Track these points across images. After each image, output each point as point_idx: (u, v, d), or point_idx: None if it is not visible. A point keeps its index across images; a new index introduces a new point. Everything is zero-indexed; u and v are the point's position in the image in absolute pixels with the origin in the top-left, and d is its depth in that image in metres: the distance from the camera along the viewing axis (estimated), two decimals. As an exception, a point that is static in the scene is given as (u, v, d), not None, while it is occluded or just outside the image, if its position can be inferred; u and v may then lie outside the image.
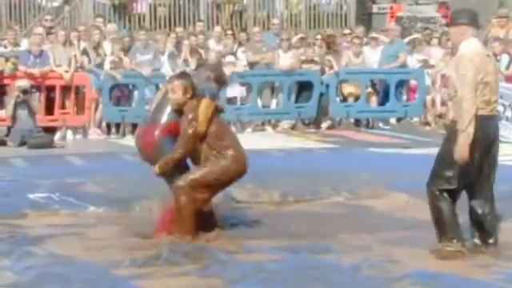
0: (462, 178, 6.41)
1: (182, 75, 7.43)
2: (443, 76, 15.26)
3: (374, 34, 16.72)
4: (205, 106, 7.10)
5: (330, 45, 16.05)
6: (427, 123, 15.52)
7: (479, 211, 6.54)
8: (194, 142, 7.06)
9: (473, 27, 6.51)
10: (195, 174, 7.10)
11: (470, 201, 6.59)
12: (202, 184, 7.02)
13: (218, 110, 7.25)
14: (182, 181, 7.05)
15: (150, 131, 7.25)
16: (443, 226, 6.47)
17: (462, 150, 6.32)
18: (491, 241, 6.56)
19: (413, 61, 16.01)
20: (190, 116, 7.04)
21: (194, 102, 7.11)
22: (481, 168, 6.46)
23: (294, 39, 16.12)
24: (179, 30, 16.65)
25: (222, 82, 7.63)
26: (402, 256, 6.51)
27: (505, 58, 14.67)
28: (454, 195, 6.49)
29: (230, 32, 16.45)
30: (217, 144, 7.10)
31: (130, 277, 5.99)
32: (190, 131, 7.01)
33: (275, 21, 17.77)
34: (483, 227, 6.56)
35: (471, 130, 6.30)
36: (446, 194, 6.45)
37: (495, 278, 5.89)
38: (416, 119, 15.85)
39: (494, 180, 6.60)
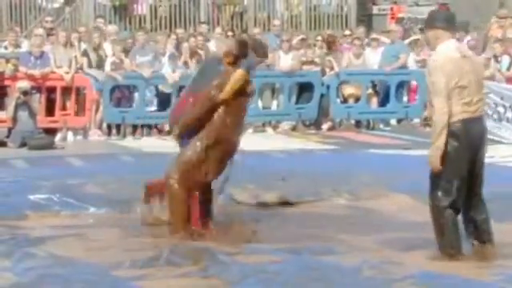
0: (460, 186, 6.34)
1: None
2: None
3: (374, 35, 16.72)
4: (235, 78, 6.99)
5: (331, 44, 16.04)
6: (427, 124, 15.52)
7: (478, 217, 6.47)
8: (211, 108, 6.96)
9: (448, 31, 6.39)
10: (183, 157, 7.05)
11: (466, 206, 6.48)
12: (189, 166, 6.98)
13: (247, 88, 7.12)
14: (174, 167, 7.02)
15: (185, 97, 7.22)
16: (444, 241, 6.40)
17: (432, 162, 6.29)
18: (488, 239, 6.51)
19: (411, 61, 16.00)
20: (217, 81, 6.96)
21: (231, 69, 7.02)
22: (473, 171, 6.40)
23: (295, 40, 16.13)
24: (180, 31, 16.66)
25: (261, 52, 7.36)
26: (402, 257, 6.51)
27: (505, 59, 14.66)
28: (455, 205, 6.39)
29: (230, 33, 16.46)
30: (222, 122, 7.01)
31: (130, 278, 5.99)
32: (210, 95, 6.92)
33: (276, 22, 17.77)
34: (481, 227, 6.51)
35: (440, 142, 6.22)
36: (448, 208, 6.36)
37: (495, 279, 5.89)
38: (416, 120, 15.85)
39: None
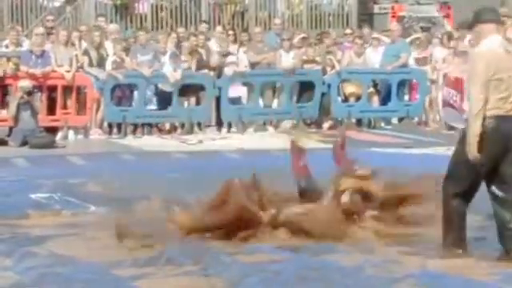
0: (476, 182, 6.34)
1: None
2: (445, 75, 15.27)
3: (375, 35, 16.71)
4: None
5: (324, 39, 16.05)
6: (427, 123, 15.54)
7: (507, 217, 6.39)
8: None
9: (492, 23, 6.39)
10: None
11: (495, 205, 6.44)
12: None
13: None
14: None
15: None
16: (451, 229, 6.41)
17: (470, 150, 6.28)
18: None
19: (412, 60, 15.99)
20: None
21: None
22: (500, 169, 6.33)
23: (296, 39, 16.12)
24: (181, 30, 16.66)
25: None
26: (404, 256, 6.50)
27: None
28: (467, 197, 6.41)
29: (231, 32, 16.46)
30: None
31: (131, 277, 5.98)
32: None
33: (277, 21, 17.77)
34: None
35: (475, 129, 6.22)
36: (459, 197, 6.37)
37: (495, 279, 5.88)
38: (418, 119, 15.84)
39: None
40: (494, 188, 6.43)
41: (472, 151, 6.26)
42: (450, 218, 6.44)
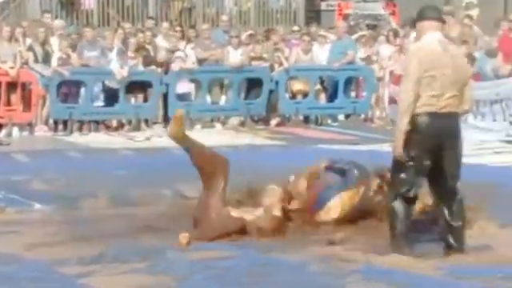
0: (415, 178, 6.35)
1: None
2: (391, 73, 15.40)
3: (321, 32, 16.79)
4: None
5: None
6: (372, 120, 15.66)
7: (454, 223, 6.42)
8: None
9: (434, 23, 6.43)
10: None
11: (439, 203, 6.51)
12: None
13: None
14: None
15: None
16: (395, 232, 6.42)
17: (395, 146, 6.33)
18: (458, 245, 6.44)
19: (361, 57, 16.11)
20: None
21: None
22: (438, 168, 6.36)
23: (244, 36, 16.13)
24: (127, 26, 16.56)
25: None
26: (349, 252, 6.53)
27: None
28: (409, 196, 6.40)
29: (178, 29, 16.40)
30: None
31: (77, 274, 5.92)
32: None
33: (224, 17, 17.75)
34: (455, 233, 6.45)
35: (402, 125, 6.26)
36: (402, 199, 6.37)
37: (440, 273, 5.93)
38: (364, 116, 15.96)
39: (459, 179, 6.45)
40: (434, 186, 6.49)
41: (397, 148, 6.31)
42: (393, 223, 6.44)
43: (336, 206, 7.34)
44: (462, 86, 6.39)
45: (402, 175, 6.35)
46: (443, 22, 6.58)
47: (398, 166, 6.39)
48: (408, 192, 6.38)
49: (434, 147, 6.32)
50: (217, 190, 7.11)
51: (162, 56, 15.05)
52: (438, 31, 6.46)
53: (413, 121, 6.27)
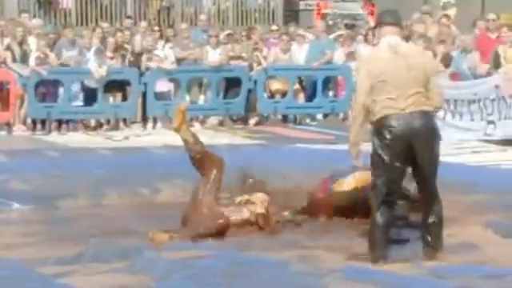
0: (390, 182, 6.28)
1: None
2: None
3: (300, 31, 16.82)
4: None
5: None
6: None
7: (429, 220, 6.39)
8: None
9: (388, 28, 6.41)
10: None
11: (421, 203, 6.50)
12: None
13: None
14: None
15: None
16: (372, 240, 6.35)
17: (351, 156, 6.41)
18: (435, 244, 6.40)
19: (339, 56, 16.13)
20: None
21: None
22: (416, 168, 6.32)
23: (222, 35, 16.13)
24: (105, 25, 16.51)
25: None
26: (328, 252, 6.55)
27: (428, 55, 14.83)
28: (387, 202, 6.33)
29: (157, 28, 16.38)
30: None
31: (56, 274, 5.91)
32: None
33: (202, 17, 17.74)
34: (430, 231, 6.43)
35: (351, 136, 6.38)
36: (384, 206, 6.30)
37: (420, 273, 5.96)
38: (343, 115, 16.00)
39: (435, 179, 6.41)
40: (417, 186, 6.48)
41: (353, 156, 6.36)
42: (371, 230, 6.37)
43: (350, 180, 7.49)
44: (425, 83, 6.31)
45: (378, 181, 6.31)
46: (400, 26, 6.55)
47: (373, 171, 6.37)
48: (387, 196, 6.33)
49: (403, 148, 6.23)
50: (211, 187, 7.13)
51: (140, 56, 15.03)
52: (394, 35, 6.42)
53: (375, 126, 6.26)
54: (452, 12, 17.83)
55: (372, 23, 19.88)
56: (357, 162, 6.43)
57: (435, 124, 6.40)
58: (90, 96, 14.70)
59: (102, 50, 14.87)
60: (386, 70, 6.26)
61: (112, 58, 14.78)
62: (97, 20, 20.10)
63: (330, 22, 20.39)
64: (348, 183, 7.50)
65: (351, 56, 16.10)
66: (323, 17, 20.98)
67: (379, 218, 6.30)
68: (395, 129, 6.22)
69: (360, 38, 16.76)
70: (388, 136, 6.23)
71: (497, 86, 12.94)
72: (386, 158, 6.24)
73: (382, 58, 6.33)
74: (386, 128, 6.22)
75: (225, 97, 15.42)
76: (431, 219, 6.42)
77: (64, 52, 14.63)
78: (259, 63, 15.52)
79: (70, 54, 14.64)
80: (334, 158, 10.23)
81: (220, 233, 6.96)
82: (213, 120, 15.38)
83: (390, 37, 6.41)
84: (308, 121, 15.81)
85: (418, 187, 6.50)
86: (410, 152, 6.27)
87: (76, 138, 13.74)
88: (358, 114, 6.32)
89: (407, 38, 15.73)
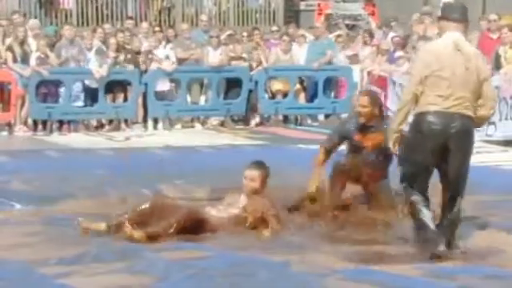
0: (420, 177, 6.33)
1: None
2: (369, 73, 15.46)
3: (300, 32, 16.83)
4: None
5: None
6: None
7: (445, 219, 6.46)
8: None
9: (453, 23, 6.38)
10: None
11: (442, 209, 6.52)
12: None
13: None
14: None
15: None
16: (421, 230, 6.38)
17: (390, 140, 6.40)
18: (451, 245, 6.41)
19: (341, 58, 16.14)
20: None
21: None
22: (443, 169, 6.36)
23: (223, 36, 16.14)
24: (107, 26, 16.51)
25: None
26: (331, 252, 6.55)
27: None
28: (420, 195, 6.38)
29: (158, 28, 16.40)
30: None
31: (57, 275, 5.91)
32: None
33: (203, 17, 17.75)
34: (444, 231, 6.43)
35: (394, 124, 6.34)
36: (414, 193, 6.36)
37: (420, 273, 5.96)
38: (344, 115, 15.99)
39: (466, 180, 6.43)
40: (443, 186, 6.46)
41: (391, 145, 6.35)
42: (417, 224, 6.40)
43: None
44: (474, 88, 6.27)
45: (407, 172, 6.35)
46: (465, 23, 6.47)
47: (401, 162, 6.41)
48: (418, 192, 6.35)
49: (436, 147, 6.24)
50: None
51: (141, 56, 15.04)
52: (458, 32, 6.36)
53: (416, 120, 6.28)
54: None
55: (373, 24, 19.92)
56: (394, 150, 6.41)
57: (473, 129, 6.38)
58: (91, 96, 14.71)
59: (102, 50, 14.87)
60: (445, 65, 6.22)
61: (114, 58, 14.78)
62: (98, 20, 20.12)
63: (333, 23, 20.43)
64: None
65: (354, 58, 16.11)
66: (327, 17, 21.01)
67: (417, 199, 6.33)
68: (434, 126, 6.21)
69: (359, 38, 16.78)
70: (426, 131, 6.22)
71: (497, 87, 12.94)
72: (416, 152, 6.25)
73: (444, 52, 6.27)
74: (425, 123, 6.21)
75: (225, 97, 15.42)
76: (447, 221, 6.42)
77: (63, 52, 14.64)
78: (260, 64, 15.52)
79: (69, 54, 14.66)
80: (336, 159, 10.24)
81: (196, 225, 6.92)
82: (214, 121, 15.38)
83: (454, 32, 6.35)
84: (309, 121, 15.81)
85: (442, 188, 6.46)
86: (442, 152, 6.26)
87: (77, 139, 13.75)
88: (407, 102, 6.27)
89: (406, 39, 15.77)
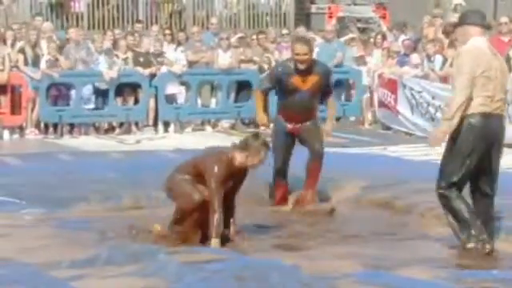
0: (466, 179, 6.43)
1: None
2: (380, 76, 15.45)
3: (311, 34, 16.82)
4: None
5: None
6: (363, 122, 15.68)
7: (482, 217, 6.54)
8: None
9: (480, 28, 6.53)
10: None
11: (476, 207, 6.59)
12: None
13: None
14: None
15: None
16: (463, 225, 6.45)
17: (437, 137, 6.42)
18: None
19: (350, 59, 16.13)
20: None
21: None
22: (484, 170, 6.46)
23: (234, 38, 16.16)
24: (117, 31, 16.52)
25: None
26: (340, 256, 6.55)
27: (438, 59, 14.84)
28: (458, 188, 6.49)
29: (168, 31, 16.42)
30: None
31: (69, 278, 5.93)
32: None
33: (213, 20, 17.77)
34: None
35: (454, 121, 6.31)
36: (454, 192, 6.44)
37: (435, 277, 5.96)
38: (354, 118, 15.99)
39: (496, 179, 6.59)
40: (480, 184, 6.57)
41: (439, 139, 6.40)
42: (457, 217, 6.46)
43: None
44: (506, 90, 6.54)
45: (452, 168, 6.39)
46: (486, 28, 6.64)
47: (450, 160, 6.41)
48: (457, 184, 6.43)
49: (485, 148, 6.39)
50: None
51: (151, 59, 15.06)
52: (483, 37, 6.55)
53: (467, 121, 6.33)
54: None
55: (384, 27, 19.90)
56: (438, 145, 6.50)
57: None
58: (101, 98, 14.74)
59: (112, 52, 14.90)
60: (491, 66, 6.35)
61: (122, 60, 14.81)
62: (109, 24, 20.15)
63: (346, 25, 20.43)
64: None
65: (361, 60, 16.09)
66: (340, 20, 21.01)
67: (458, 203, 6.44)
68: (485, 128, 6.32)
69: (370, 41, 16.77)
70: (477, 133, 6.30)
71: (507, 90, 12.92)
72: (471, 156, 6.33)
73: (486, 53, 6.40)
74: (477, 125, 6.30)
75: (236, 100, 15.42)
76: (483, 218, 6.52)
77: (72, 55, 14.68)
78: (270, 65, 15.51)
79: (77, 56, 14.70)
80: (346, 162, 10.26)
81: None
82: (225, 123, 15.39)
83: (481, 37, 6.51)
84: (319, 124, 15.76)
85: (474, 187, 6.58)
86: (486, 153, 6.40)
87: (88, 142, 13.78)
88: (460, 107, 6.30)
89: (417, 42, 15.75)
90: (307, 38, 10.58)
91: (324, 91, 8.56)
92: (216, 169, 6.80)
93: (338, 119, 15.97)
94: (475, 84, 6.30)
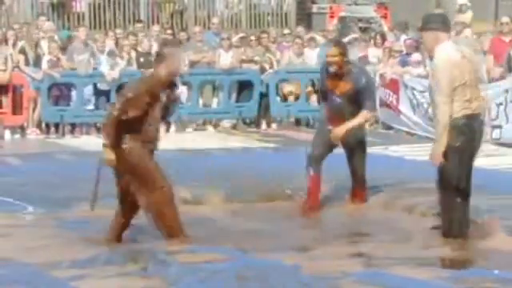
0: (467, 178, 6.61)
1: None
2: (381, 76, 15.44)
3: (311, 34, 16.83)
4: None
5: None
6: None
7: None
8: None
9: (445, 32, 6.63)
10: None
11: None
12: None
13: None
14: None
15: None
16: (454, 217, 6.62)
17: (435, 158, 6.52)
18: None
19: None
20: None
21: None
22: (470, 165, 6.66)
23: (235, 38, 16.16)
24: (118, 31, 16.53)
25: None
26: (341, 256, 6.55)
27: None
28: (464, 192, 6.62)
29: (169, 31, 16.42)
30: None
31: (70, 278, 5.94)
32: None
33: (215, 20, 17.77)
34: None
35: (444, 140, 6.47)
36: (458, 198, 6.60)
37: (436, 277, 5.96)
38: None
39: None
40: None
41: (437, 158, 6.49)
42: (451, 207, 6.61)
43: None
44: (480, 81, 6.72)
45: (457, 180, 6.56)
46: (449, 30, 6.73)
47: (451, 171, 6.55)
48: (464, 192, 6.59)
49: (474, 146, 6.58)
50: None
51: (153, 59, 15.06)
52: (449, 40, 6.65)
53: (454, 125, 6.46)
54: (468, 15, 17.83)
55: (385, 27, 19.90)
56: (439, 162, 6.57)
57: None
58: (102, 99, 14.74)
59: (114, 52, 14.91)
60: (464, 73, 6.49)
61: (124, 60, 14.80)
62: (110, 24, 20.16)
63: (348, 25, 20.42)
64: None
65: (364, 60, 16.08)
66: (341, 20, 21.00)
67: (451, 199, 6.56)
68: (471, 128, 6.51)
69: (371, 41, 16.76)
70: (465, 135, 6.49)
71: (507, 91, 12.93)
72: (467, 155, 6.51)
73: (458, 61, 6.53)
74: (464, 127, 6.47)
75: (237, 100, 15.43)
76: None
77: (75, 56, 14.68)
78: (271, 66, 15.52)
79: (81, 57, 14.69)
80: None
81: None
82: (226, 123, 15.39)
83: (447, 42, 6.62)
84: (321, 124, 15.77)
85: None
86: (473, 152, 6.61)
87: (89, 142, 13.78)
88: (446, 126, 6.46)
89: (418, 43, 15.75)
90: (341, 40, 10.47)
91: (358, 103, 8.13)
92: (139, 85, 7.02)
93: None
94: (454, 95, 6.46)
